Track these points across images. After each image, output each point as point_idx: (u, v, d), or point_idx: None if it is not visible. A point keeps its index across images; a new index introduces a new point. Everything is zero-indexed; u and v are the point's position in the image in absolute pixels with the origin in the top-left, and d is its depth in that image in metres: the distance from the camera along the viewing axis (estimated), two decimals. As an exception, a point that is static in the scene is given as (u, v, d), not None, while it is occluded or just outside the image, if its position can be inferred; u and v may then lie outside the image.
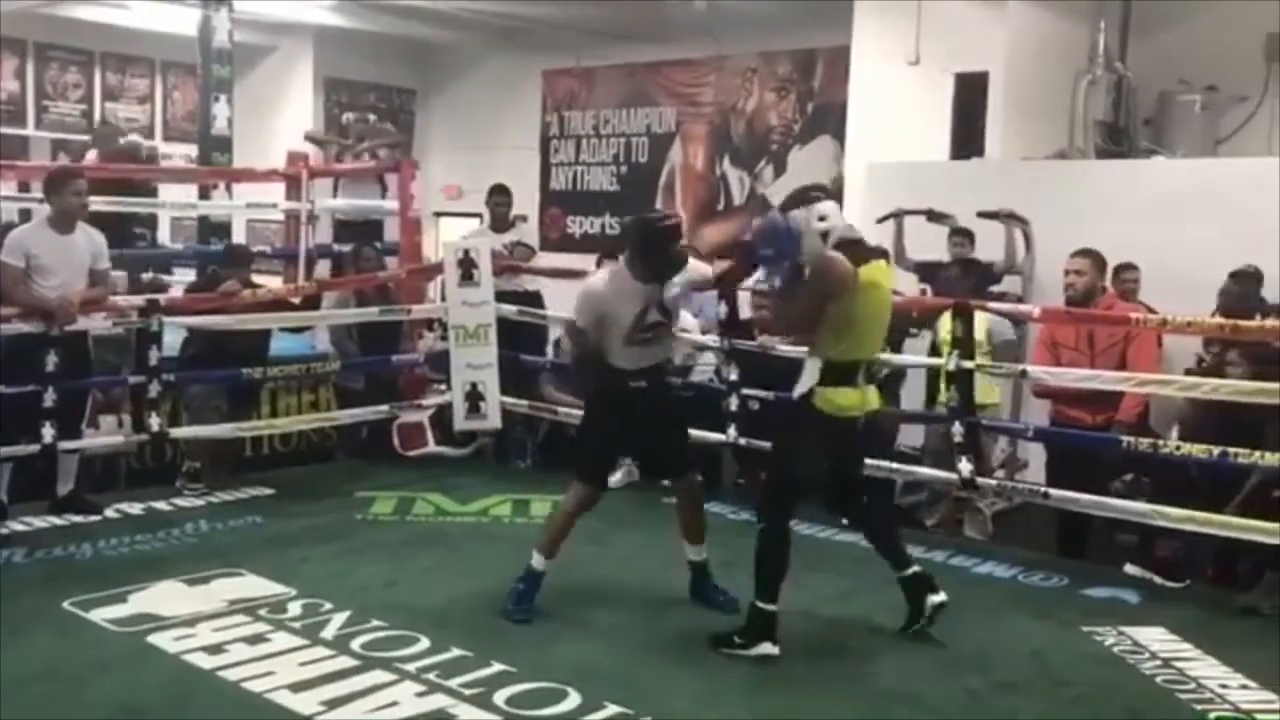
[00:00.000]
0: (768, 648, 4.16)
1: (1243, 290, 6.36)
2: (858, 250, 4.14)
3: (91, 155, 8.88)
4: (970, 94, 8.61)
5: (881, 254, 4.31)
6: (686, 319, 6.43)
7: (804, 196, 4.19)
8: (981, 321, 5.77)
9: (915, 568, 4.47)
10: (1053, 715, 3.88)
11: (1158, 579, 5.32)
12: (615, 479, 6.76)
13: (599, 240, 12.43)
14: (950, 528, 6.35)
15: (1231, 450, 4.86)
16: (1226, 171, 7.57)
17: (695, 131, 12.04)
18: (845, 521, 5.06)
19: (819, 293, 4.09)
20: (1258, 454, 4.79)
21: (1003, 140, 8.52)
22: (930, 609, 4.39)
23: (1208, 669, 4.24)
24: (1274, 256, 6.73)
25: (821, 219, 4.09)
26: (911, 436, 6.74)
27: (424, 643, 4.23)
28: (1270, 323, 5.34)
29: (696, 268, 4.68)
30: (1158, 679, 4.17)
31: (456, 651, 4.15)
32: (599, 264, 7.89)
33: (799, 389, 4.20)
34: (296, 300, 6.96)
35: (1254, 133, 8.61)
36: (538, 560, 4.60)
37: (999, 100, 8.52)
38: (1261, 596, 4.96)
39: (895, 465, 6.02)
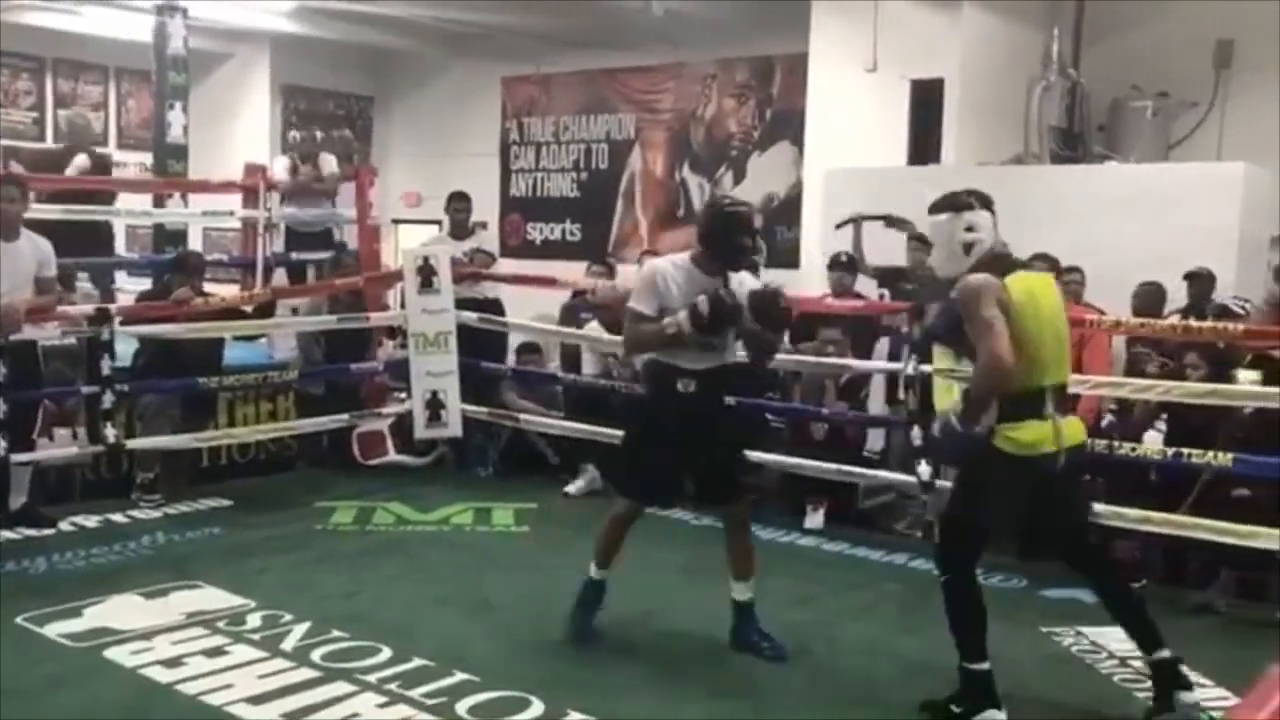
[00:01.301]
0: (994, 715, 3.68)
1: (1151, 292, 6.48)
2: (1003, 264, 3.66)
3: (81, 160, 8.53)
4: (926, 100, 8.68)
5: (1029, 265, 3.84)
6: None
7: (954, 202, 3.73)
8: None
9: (1165, 652, 3.80)
10: (1012, 716, 3.90)
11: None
12: (578, 486, 6.80)
13: (560, 246, 12.45)
14: (926, 531, 6.31)
15: (1185, 450, 4.95)
16: (1178, 176, 7.70)
17: (654, 138, 12.06)
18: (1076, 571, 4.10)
19: (981, 309, 3.53)
20: (1210, 454, 4.88)
21: (959, 146, 8.60)
22: (1182, 709, 3.74)
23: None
24: (1224, 260, 6.86)
25: (969, 230, 3.67)
26: (873, 440, 6.77)
27: (385, 653, 4.20)
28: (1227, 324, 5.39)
29: None
30: (1114, 678, 4.22)
31: (418, 661, 4.13)
32: (588, 272, 7.90)
33: (979, 427, 3.66)
34: (249, 309, 6.91)
35: (1204, 138, 8.76)
36: (592, 569, 4.41)
37: (955, 106, 8.60)
38: (1216, 594, 5.04)
39: (853, 468, 6.08)
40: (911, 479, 5.67)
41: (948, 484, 5.74)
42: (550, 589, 4.98)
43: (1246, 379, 5.14)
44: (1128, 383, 5.50)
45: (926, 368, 5.57)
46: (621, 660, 4.26)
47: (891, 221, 7.55)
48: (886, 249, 7.49)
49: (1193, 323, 5.58)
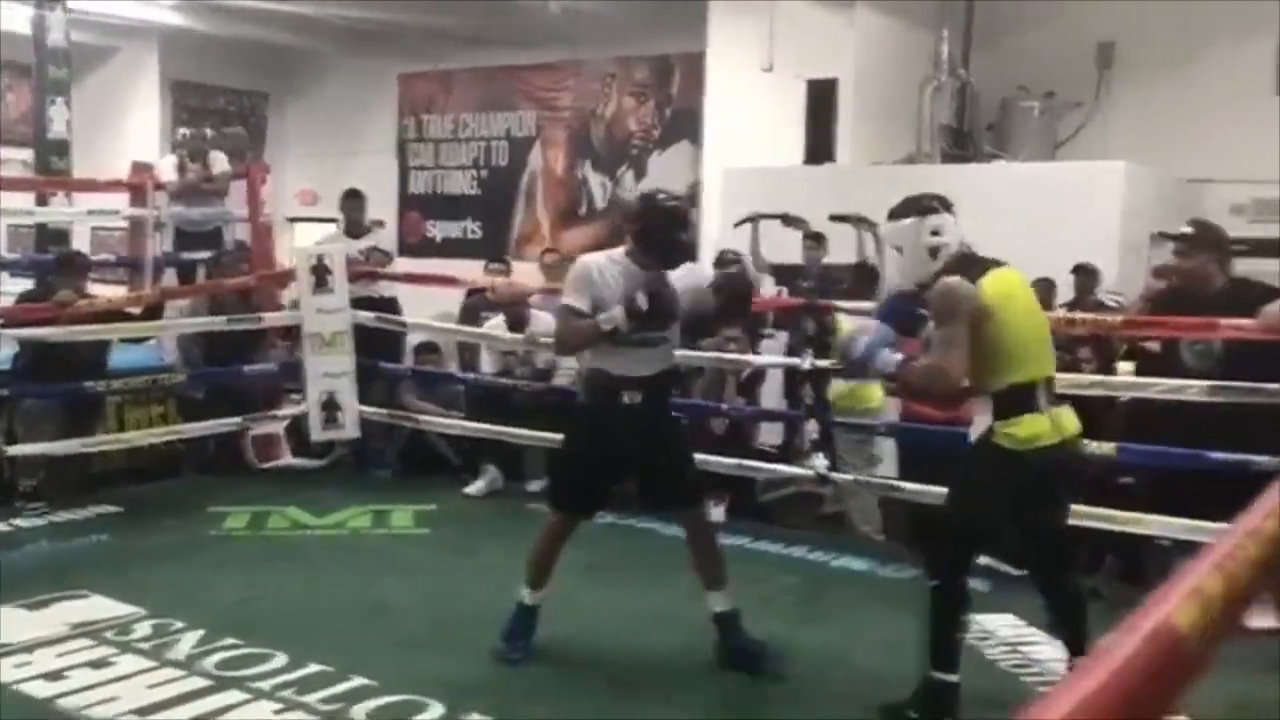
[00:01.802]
0: None
1: (1042, 289, 6.65)
2: (973, 265, 3.59)
3: None
4: (821, 100, 8.82)
5: (999, 262, 3.68)
6: (542, 318, 6.41)
7: (916, 206, 3.69)
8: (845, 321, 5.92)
9: None
10: (900, 701, 3.98)
11: (1006, 567, 5.50)
12: (478, 486, 6.75)
13: (460, 245, 12.35)
14: (829, 525, 6.36)
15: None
16: (1063, 175, 7.93)
17: (555, 136, 12.04)
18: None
19: (952, 322, 3.49)
20: (1094, 445, 5.03)
21: (853, 145, 8.75)
22: None
23: (1052, 652, 4.39)
24: (1107, 256, 7.08)
25: (934, 233, 3.63)
26: (768, 434, 6.87)
27: (280, 659, 4.10)
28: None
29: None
30: (1001, 664, 4.32)
31: (315, 667, 4.04)
32: (486, 270, 7.84)
33: (974, 432, 3.60)
34: (136, 310, 6.72)
35: (1089, 137, 9.05)
36: (524, 593, 4.17)
37: (849, 106, 8.75)
38: (1102, 581, 5.18)
39: (753, 462, 6.13)
40: (806, 471, 5.75)
41: (847, 477, 5.86)
42: (450, 591, 4.94)
43: (1123, 370, 5.32)
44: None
45: (823, 363, 5.66)
46: (523, 662, 4.23)
47: (788, 220, 7.66)
48: (784, 247, 7.60)
49: (1077, 315, 5.74)
